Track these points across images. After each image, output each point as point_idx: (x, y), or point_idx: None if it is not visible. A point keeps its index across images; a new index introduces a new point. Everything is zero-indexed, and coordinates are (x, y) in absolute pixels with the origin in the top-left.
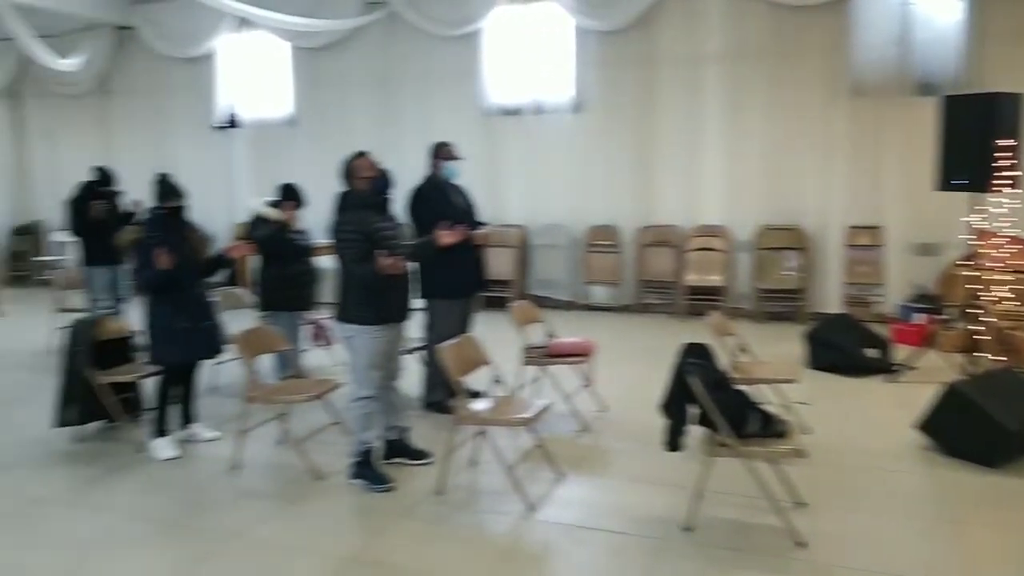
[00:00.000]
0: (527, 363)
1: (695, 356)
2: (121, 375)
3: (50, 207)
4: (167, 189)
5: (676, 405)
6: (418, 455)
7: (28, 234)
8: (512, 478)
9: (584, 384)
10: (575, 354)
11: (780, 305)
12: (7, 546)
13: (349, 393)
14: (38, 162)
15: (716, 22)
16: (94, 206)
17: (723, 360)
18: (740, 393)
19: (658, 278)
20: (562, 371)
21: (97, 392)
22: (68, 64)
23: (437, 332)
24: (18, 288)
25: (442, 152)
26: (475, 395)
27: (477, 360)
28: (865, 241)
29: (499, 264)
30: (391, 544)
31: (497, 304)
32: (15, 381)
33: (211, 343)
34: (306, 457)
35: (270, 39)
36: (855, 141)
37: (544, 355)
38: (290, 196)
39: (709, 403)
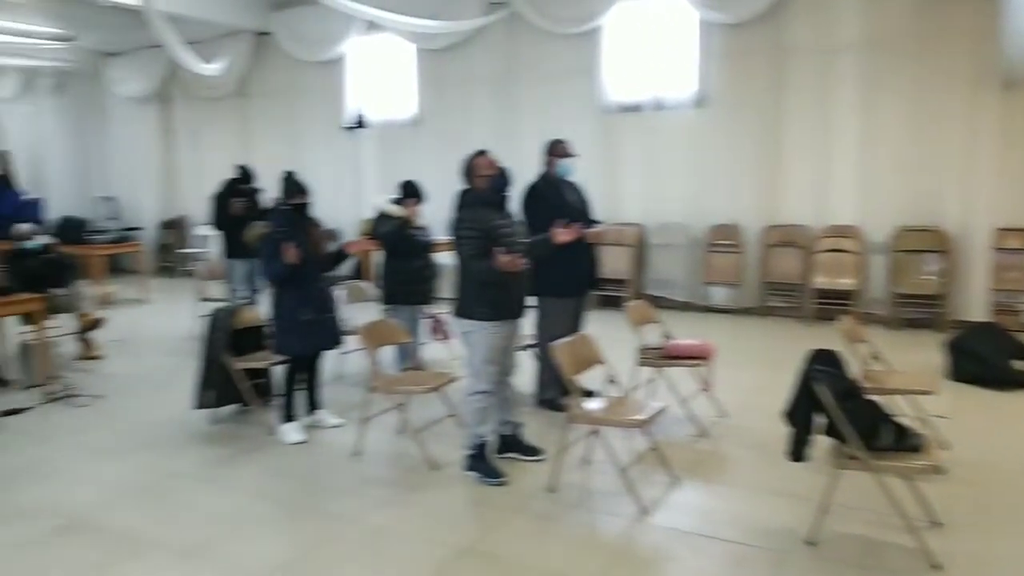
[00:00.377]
0: (642, 364)
1: (823, 363)
2: (254, 362)
3: (194, 203)
4: (292, 186)
5: (801, 413)
6: (531, 451)
7: (174, 228)
8: (625, 480)
9: (702, 388)
10: (693, 356)
11: (918, 311)
12: (147, 516)
13: (465, 387)
14: (184, 161)
15: (851, 9)
16: (234, 203)
17: (854, 368)
18: (872, 403)
19: (783, 280)
20: (679, 374)
21: (233, 377)
22: (212, 69)
23: (547, 330)
24: (165, 278)
25: (556, 150)
26: (588, 394)
27: (591, 359)
28: (1015, 244)
29: (615, 263)
30: (504, 537)
31: (612, 303)
32: (160, 365)
33: (332, 334)
34: (423, 447)
35: (396, 41)
36: (1005, 137)
37: (660, 356)
38: (411, 193)
39: (838, 413)
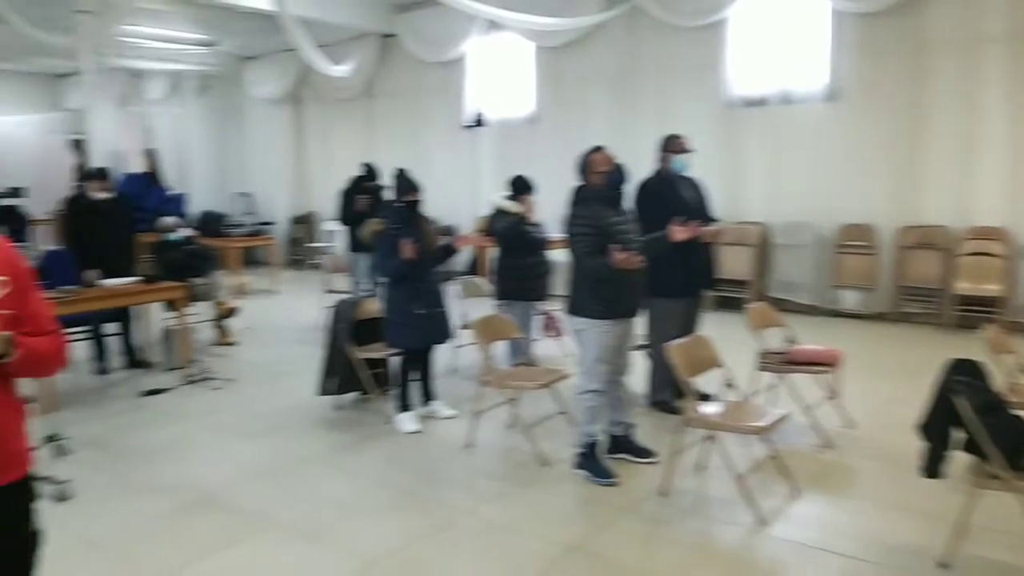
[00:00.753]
0: (763, 369)
1: (964, 374)
2: (374, 352)
3: (323, 199)
4: (405, 183)
5: (938, 427)
6: (643, 453)
7: (304, 223)
8: (742, 488)
9: (828, 396)
10: (819, 363)
11: None
12: (272, 497)
13: (576, 385)
14: (313, 159)
15: None
16: (359, 199)
17: (998, 381)
18: (1018, 419)
19: (921, 284)
20: (802, 380)
21: (354, 366)
22: (340, 71)
23: (660, 331)
24: (294, 270)
25: (672, 145)
26: (705, 397)
27: (708, 361)
28: None
29: (735, 263)
30: (613, 538)
31: (731, 305)
32: (288, 353)
33: (443, 329)
34: (534, 443)
35: (515, 40)
36: None
37: (783, 362)
38: (522, 188)
39: (979, 428)
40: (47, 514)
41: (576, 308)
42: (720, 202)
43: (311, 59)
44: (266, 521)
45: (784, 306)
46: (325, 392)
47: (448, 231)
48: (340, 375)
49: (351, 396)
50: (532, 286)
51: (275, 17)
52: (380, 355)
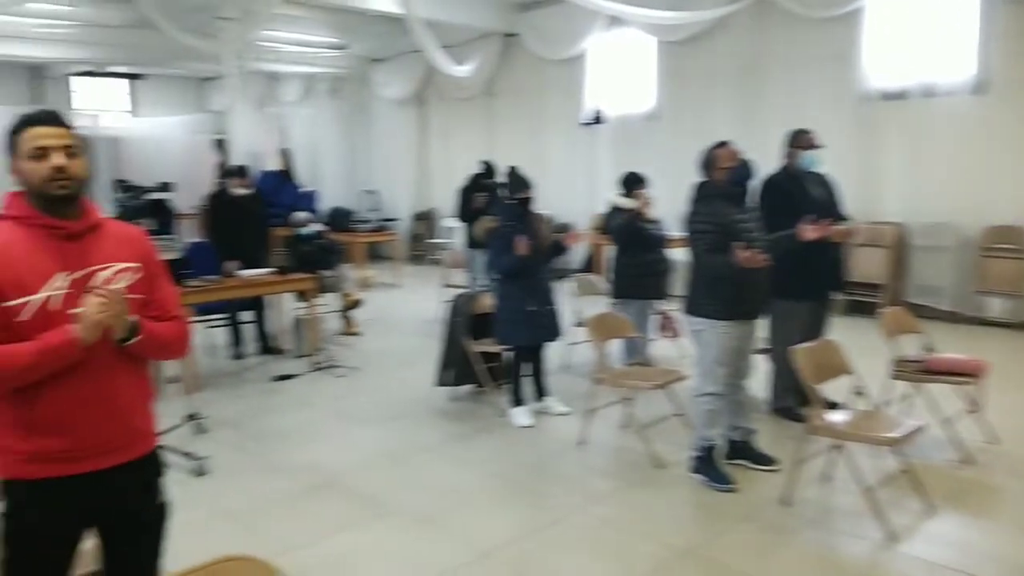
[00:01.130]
0: (897, 377)
1: None
2: (489, 346)
3: (443, 196)
4: (517, 181)
5: None
6: (763, 460)
7: (425, 219)
8: (871, 501)
9: (969, 409)
10: (960, 373)
11: None
12: (391, 482)
13: (693, 387)
14: (436, 158)
15: None
16: (477, 197)
17: None
18: None
19: None
20: (941, 391)
21: (470, 359)
22: (463, 71)
23: (784, 334)
24: (415, 265)
25: (800, 140)
26: (832, 405)
27: (836, 367)
28: None
29: (868, 265)
30: (729, 545)
31: (863, 309)
32: (408, 345)
33: (553, 326)
34: (648, 443)
35: (636, 36)
36: None
37: (919, 370)
38: (634, 183)
39: None
40: (187, 486)
41: (694, 308)
42: (852, 200)
43: (436, 60)
44: (384, 506)
45: (922, 312)
46: (442, 383)
47: (564, 228)
48: (457, 367)
49: (467, 388)
50: (649, 284)
51: (402, 20)
52: (495, 349)
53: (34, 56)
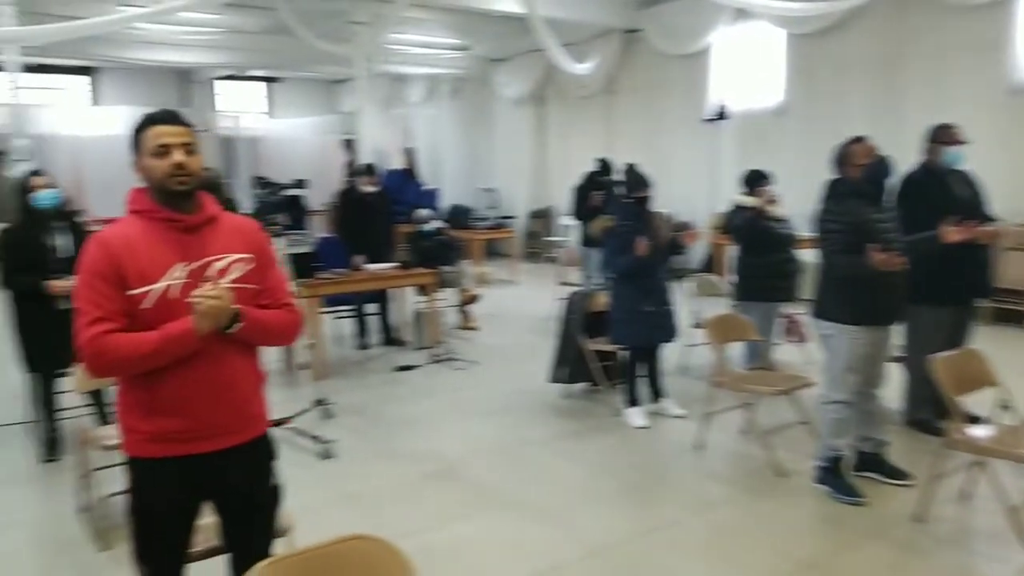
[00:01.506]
0: None
1: None
2: (604, 345)
3: (560, 194)
4: (635, 179)
5: None
6: (895, 473)
7: (541, 217)
8: (1016, 522)
9: None
10: None
11: None
12: (505, 474)
13: (821, 394)
14: (553, 156)
15: None
16: (593, 195)
17: None
18: None
19: None
20: None
21: (585, 357)
22: (583, 68)
23: (920, 341)
24: (531, 263)
25: (942, 136)
26: (974, 419)
27: (980, 379)
28: None
29: (1018, 270)
30: (856, 561)
31: (1013, 318)
32: (523, 341)
33: (669, 327)
34: (770, 450)
35: (764, 28)
36: None
37: None
38: (756, 180)
39: None
40: (313, 468)
41: (824, 311)
42: (1000, 200)
43: (556, 58)
44: (499, 497)
45: None
46: (556, 380)
47: (683, 227)
48: (571, 365)
49: (581, 386)
50: (775, 286)
51: (524, 19)
52: (610, 348)
53: (183, 61)
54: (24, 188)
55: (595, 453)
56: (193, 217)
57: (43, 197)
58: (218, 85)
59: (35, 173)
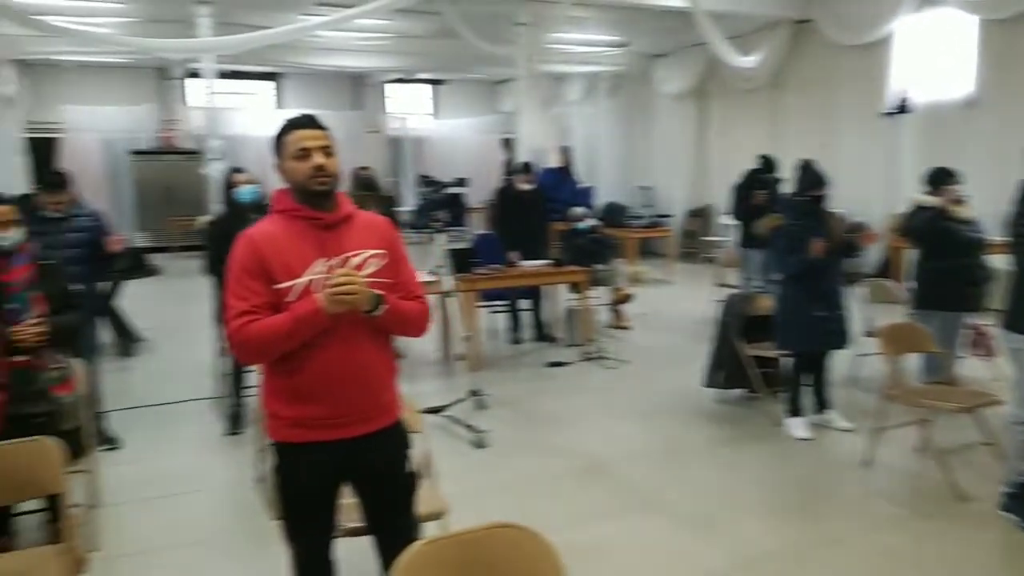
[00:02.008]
0: None
1: None
2: (765, 350)
3: (720, 193)
4: (812, 177)
5: None
6: None
7: (700, 216)
8: None
9: None
10: None
11: None
12: (655, 476)
13: (1010, 414)
14: (714, 153)
15: None
16: (757, 194)
17: None
18: None
19: None
20: None
21: (743, 362)
22: (748, 61)
23: None
24: (687, 263)
25: None
26: None
27: None
28: None
29: None
30: None
31: None
32: (677, 343)
33: (840, 334)
34: (948, 472)
35: (953, 15)
36: None
37: None
38: (940, 179)
39: None
40: (467, 457)
41: (1015, 323)
42: None
43: (721, 52)
44: (648, 499)
45: None
46: (711, 384)
47: (856, 228)
48: (727, 369)
49: (737, 392)
50: (959, 294)
51: (686, 13)
52: (772, 354)
53: (357, 66)
54: (228, 184)
55: (751, 462)
56: (332, 215)
57: (244, 192)
58: (388, 88)
59: (236, 170)
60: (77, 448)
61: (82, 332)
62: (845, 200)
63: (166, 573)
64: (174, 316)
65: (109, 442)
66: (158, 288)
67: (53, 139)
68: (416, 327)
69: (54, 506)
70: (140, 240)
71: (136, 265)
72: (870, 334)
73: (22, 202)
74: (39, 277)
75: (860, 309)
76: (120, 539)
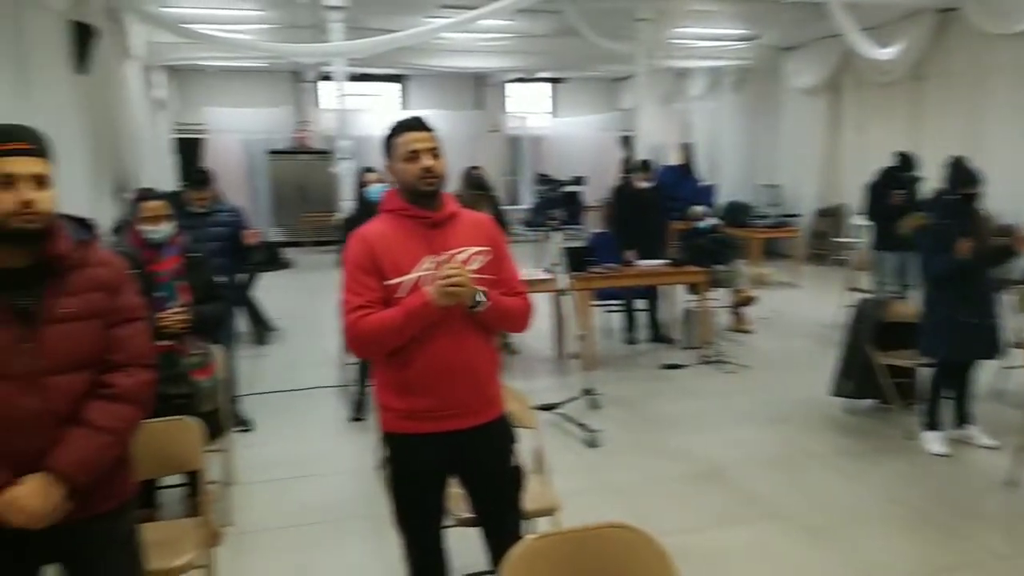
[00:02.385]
0: None
1: None
2: (900, 359)
3: (853, 192)
4: (962, 174)
5: None
6: None
7: (831, 216)
8: None
9: None
10: None
11: None
12: (775, 485)
13: None
14: (847, 149)
15: None
16: (894, 194)
17: None
18: None
19: None
20: None
21: (875, 371)
22: (886, 53)
23: None
24: (816, 265)
25: None
26: None
27: None
28: None
29: None
30: None
31: None
32: (801, 347)
33: (991, 342)
34: None
35: None
36: None
37: None
38: None
39: None
40: (580, 455)
41: None
42: None
43: (857, 44)
44: (768, 507)
45: None
46: (839, 393)
47: (1008, 231)
48: (857, 378)
49: (867, 402)
50: None
51: (819, 4)
52: (908, 363)
53: (479, 67)
54: (360, 182)
55: (881, 476)
56: (438, 214)
57: (374, 190)
58: (508, 88)
59: (368, 170)
60: (215, 429)
61: (222, 321)
62: (996, 200)
63: (292, 550)
64: (305, 307)
65: (243, 424)
66: (291, 281)
67: (198, 139)
68: (518, 323)
69: (193, 482)
70: (275, 235)
71: (271, 258)
72: (1019, 345)
73: (172, 198)
74: (186, 268)
75: (1010, 317)
76: (250, 516)
